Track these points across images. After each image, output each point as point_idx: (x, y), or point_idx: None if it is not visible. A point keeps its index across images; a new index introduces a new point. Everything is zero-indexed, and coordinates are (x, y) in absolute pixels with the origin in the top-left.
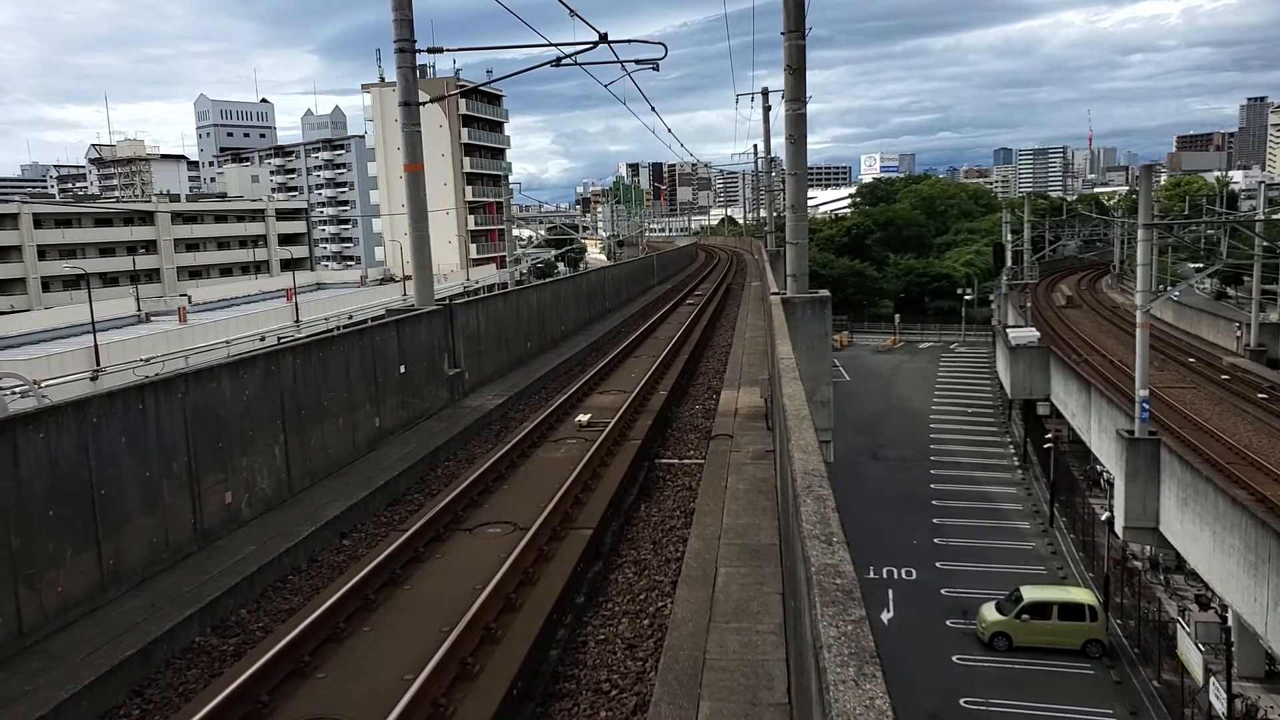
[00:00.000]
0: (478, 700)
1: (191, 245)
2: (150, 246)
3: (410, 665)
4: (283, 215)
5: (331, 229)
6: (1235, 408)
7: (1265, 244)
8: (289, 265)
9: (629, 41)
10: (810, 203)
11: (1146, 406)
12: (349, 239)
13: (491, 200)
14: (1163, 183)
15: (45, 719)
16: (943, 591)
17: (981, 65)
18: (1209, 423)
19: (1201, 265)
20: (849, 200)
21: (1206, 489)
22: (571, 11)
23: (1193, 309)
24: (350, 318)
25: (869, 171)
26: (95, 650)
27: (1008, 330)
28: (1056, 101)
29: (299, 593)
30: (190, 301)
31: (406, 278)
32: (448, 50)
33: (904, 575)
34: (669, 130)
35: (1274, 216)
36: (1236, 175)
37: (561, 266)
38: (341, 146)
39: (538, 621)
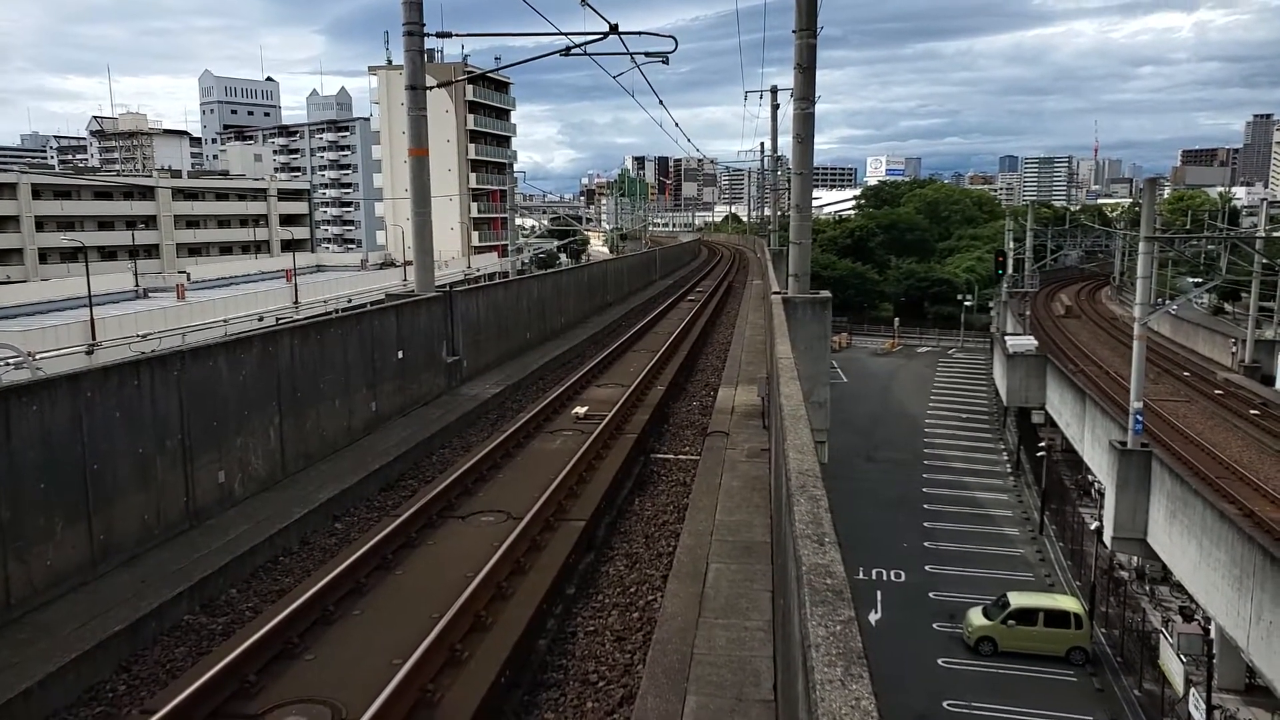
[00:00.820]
0: (465, 687)
1: (192, 222)
2: (150, 222)
3: (399, 650)
4: (285, 195)
5: (333, 211)
6: (1227, 423)
7: (1264, 261)
8: (289, 246)
9: (640, 34)
10: (815, 203)
11: (1140, 418)
12: (351, 222)
13: (495, 188)
14: (1166, 196)
15: (31, 691)
16: (931, 595)
17: (992, 71)
18: (1201, 437)
19: (1201, 280)
20: (853, 202)
21: (1195, 502)
22: (583, 1)
23: (1190, 323)
24: (349, 301)
25: (874, 174)
26: (84, 624)
27: (1006, 338)
28: (1065, 110)
29: (290, 574)
30: (189, 279)
31: (407, 263)
32: (456, 35)
33: (893, 577)
34: (676, 125)
35: (1274, 234)
36: (1239, 191)
37: (563, 258)
38: (346, 128)
39: (528, 611)
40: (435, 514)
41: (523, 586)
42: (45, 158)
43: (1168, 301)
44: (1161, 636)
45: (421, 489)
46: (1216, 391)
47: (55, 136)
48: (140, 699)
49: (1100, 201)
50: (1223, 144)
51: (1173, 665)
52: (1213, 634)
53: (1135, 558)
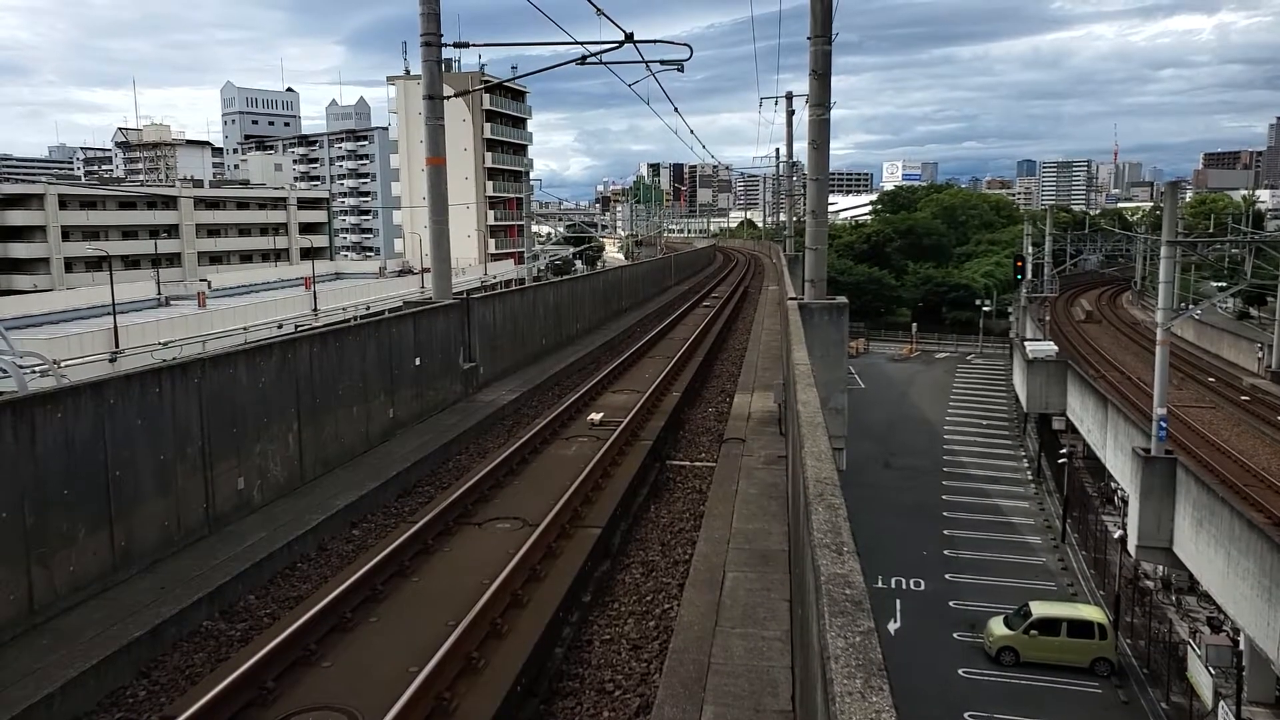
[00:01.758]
0: (481, 695)
1: (213, 231)
2: (172, 231)
3: (415, 658)
4: (304, 204)
5: (352, 219)
6: (1254, 429)
7: None
8: (308, 254)
9: (655, 42)
10: (831, 208)
11: (1164, 425)
12: (369, 230)
13: (512, 196)
14: (1188, 200)
15: (53, 696)
16: (951, 603)
17: (1009, 75)
18: (1227, 443)
19: (1225, 284)
20: (870, 207)
21: (1222, 510)
22: (598, 10)
23: (1214, 328)
24: (368, 308)
25: (890, 179)
26: (104, 630)
27: (1025, 343)
28: (1084, 114)
29: (307, 581)
30: (210, 287)
31: (425, 270)
32: (473, 45)
33: (912, 585)
34: (691, 131)
35: None
36: (1263, 194)
37: (579, 264)
38: (365, 137)
39: (544, 619)
40: (452, 520)
41: (539, 594)
42: (71, 169)
43: (1191, 306)
44: (1189, 648)
45: (438, 495)
46: (1243, 397)
47: (81, 148)
48: (160, 705)
49: (1120, 205)
50: (1246, 146)
51: (1201, 677)
52: (1242, 646)
53: (1161, 567)
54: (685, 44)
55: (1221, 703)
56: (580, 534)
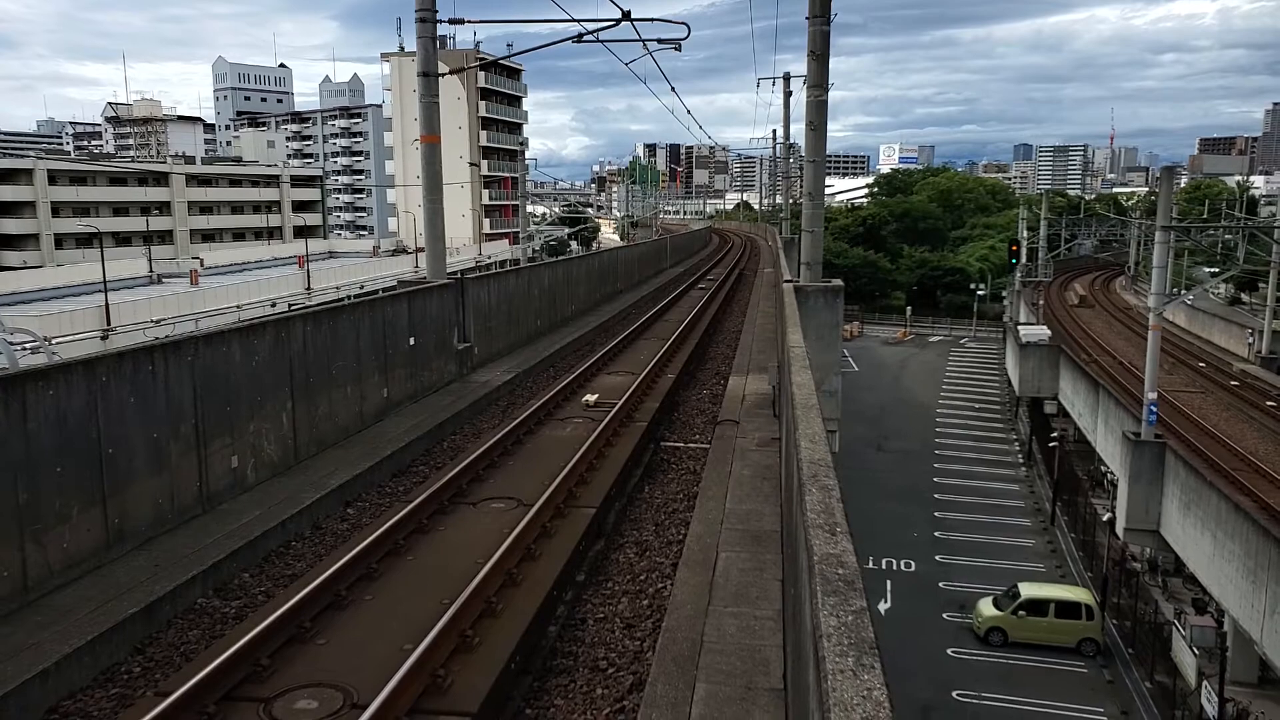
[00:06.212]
0: (476, 672)
1: (205, 208)
2: (164, 208)
3: (410, 635)
4: (297, 182)
5: (346, 198)
6: (1243, 414)
7: None
8: (302, 232)
9: (652, 20)
10: (827, 191)
11: (1154, 409)
12: (363, 208)
13: (507, 175)
14: (1183, 185)
15: (48, 673)
16: (941, 585)
17: (1010, 59)
18: (1216, 428)
19: (1217, 270)
20: (866, 190)
21: (1209, 494)
22: None
23: (1205, 313)
24: (361, 287)
25: (887, 162)
26: (99, 607)
27: (1019, 327)
28: (1084, 99)
29: (302, 559)
30: (202, 264)
31: (419, 250)
32: (469, 21)
33: (903, 567)
34: (688, 112)
35: None
36: (1258, 180)
37: (574, 245)
38: (358, 115)
39: (538, 597)
40: (446, 500)
41: (533, 573)
42: (61, 144)
43: (1183, 292)
44: (1174, 629)
45: (433, 475)
46: (1232, 383)
47: (71, 122)
48: (155, 680)
49: (1115, 190)
50: (1242, 132)
51: (1185, 658)
52: (1226, 627)
53: (1148, 549)
54: (683, 22)
55: (1205, 682)
56: (575, 514)
